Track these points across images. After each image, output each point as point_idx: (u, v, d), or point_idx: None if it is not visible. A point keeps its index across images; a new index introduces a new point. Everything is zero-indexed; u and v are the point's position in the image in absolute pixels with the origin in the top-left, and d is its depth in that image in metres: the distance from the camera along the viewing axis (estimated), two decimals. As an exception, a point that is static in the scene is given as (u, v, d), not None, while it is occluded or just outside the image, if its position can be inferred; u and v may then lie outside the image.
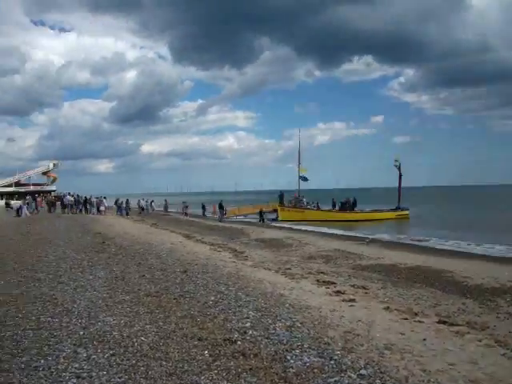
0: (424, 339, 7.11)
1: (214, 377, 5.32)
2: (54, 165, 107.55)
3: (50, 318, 7.56)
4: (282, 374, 5.39)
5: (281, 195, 47.77)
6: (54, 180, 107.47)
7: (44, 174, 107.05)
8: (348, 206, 47.19)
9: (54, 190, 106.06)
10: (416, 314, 8.87)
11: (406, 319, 8.38)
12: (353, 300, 9.74)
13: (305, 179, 48.08)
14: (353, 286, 11.59)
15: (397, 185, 50.77)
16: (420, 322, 8.28)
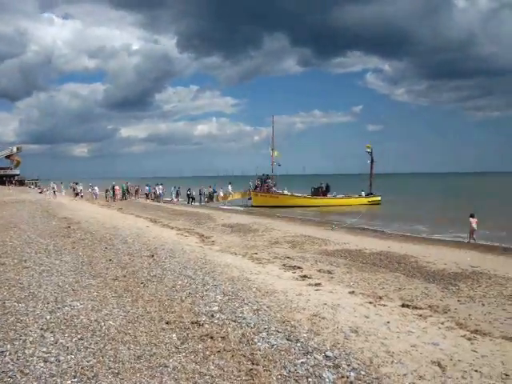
0: (388, 322, 7.29)
1: (183, 359, 5.38)
2: (18, 149, 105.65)
3: (15, 303, 7.50)
4: (250, 356, 5.49)
5: (262, 179, 47.36)
6: (18, 164, 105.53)
7: (7, 157, 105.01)
8: (321, 191, 47.40)
9: (17, 174, 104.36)
10: (380, 298, 9.05)
11: (371, 303, 8.55)
12: (319, 284, 9.89)
13: (278, 164, 47.96)
14: (319, 270, 11.74)
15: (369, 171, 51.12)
16: (384, 305, 8.46)
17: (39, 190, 65.01)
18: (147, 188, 51.58)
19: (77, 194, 51.57)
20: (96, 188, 51.66)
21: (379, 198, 47.69)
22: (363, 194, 48.40)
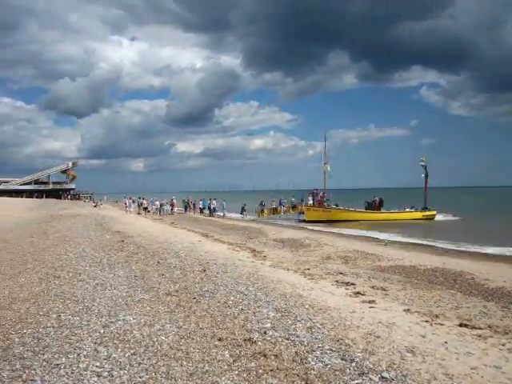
0: (445, 342, 7.03)
1: (235, 378, 5.29)
2: (74, 163, 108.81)
3: (70, 316, 7.59)
4: (304, 376, 5.35)
5: (313, 194, 47.28)
6: (73, 178, 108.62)
7: (63, 172, 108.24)
8: (374, 205, 47.00)
9: (73, 188, 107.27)
10: (437, 317, 8.75)
11: (427, 322, 8.28)
12: (373, 301, 9.66)
13: (330, 177, 47.74)
14: (372, 287, 11.49)
15: (423, 185, 50.37)
16: (441, 324, 8.18)
17: (94, 204, 66.64)
18: (201, 202, 51.80)
19: (145, 209, 51.21)
20: (157, 202, 52.17)
21: (434, 213, 46.83)
22: (408, 209, 47.65)
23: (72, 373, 5.33)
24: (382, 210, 46.91)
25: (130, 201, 51.99)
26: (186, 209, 51.78)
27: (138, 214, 47.72)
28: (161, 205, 49.59)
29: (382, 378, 5.38)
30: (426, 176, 49.35)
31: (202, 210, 51.02)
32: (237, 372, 5.46)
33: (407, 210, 47.54)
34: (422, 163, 49.59)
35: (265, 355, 5.98)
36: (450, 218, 46.55)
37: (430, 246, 25.07)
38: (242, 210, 49.55)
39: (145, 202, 52.98)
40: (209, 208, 49.82)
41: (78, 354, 5.90)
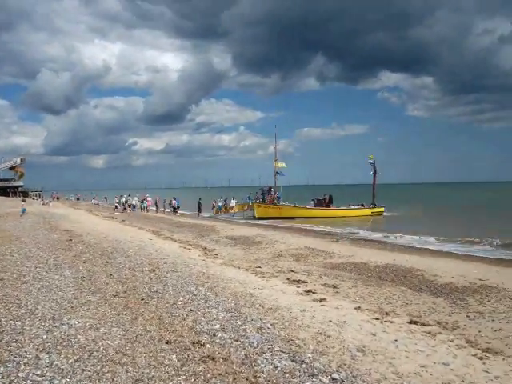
0: (396, 340, 7.07)
1: (182, 383, 5.15)
2: (22, 160, 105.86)
3: (11, 321, 7.27)
4: (253, 380, 5.26)
5: (263, 191, 47.27)
6: (22, 175, 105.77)
7: (11, 169, 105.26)
8: (324, 202, 47.41)
9: (21, 185, 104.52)
10: (387, 314, 8.81)
11: (378, 319, 8.33)
12: (323, 299, 9.66)
13: (281, 174, 47.81)
14: (323, 284, 11.51)
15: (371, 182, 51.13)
16: (391, 322, 8.23)
17: (42, 202, 65.11)
18: (175, 202, 50.32)
19: (125, 209, 49.96)
20: (150, 199, 51.54)
21: (382, 209, 47.65)
22: (352, 206, 48.41)
23: (10, 383, 5.09)
24: (332, 207, 47.38)
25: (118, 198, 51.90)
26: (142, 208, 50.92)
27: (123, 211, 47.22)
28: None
29: (333, 379, 5.33)
30: (374, 173, 50.14)
31: (175, 210, 49.02)
32: (184, 377, 5.32)
33: (352, 207, 48.27)
34: (370, 161, 50.41)
35: (213, 358, 5.86)
36: (398, 214, 47.37)
37: (380, 241, 25.41)
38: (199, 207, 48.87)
39: (130, 198, 52.81)
40: (171, 206, 49.10)
41: (18, 363, 5.63)
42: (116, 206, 51.21)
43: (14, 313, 7.76)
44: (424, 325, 8.22)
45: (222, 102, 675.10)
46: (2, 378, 5.20)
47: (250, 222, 40.35)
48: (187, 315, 7.79)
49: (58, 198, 76.16)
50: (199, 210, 47.39)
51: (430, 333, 7.68)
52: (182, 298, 8.94)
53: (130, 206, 50.83)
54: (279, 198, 46.61)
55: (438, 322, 8.49)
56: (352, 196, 60.07)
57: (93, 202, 75.88)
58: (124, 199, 52.35)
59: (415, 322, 8.33)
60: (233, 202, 49.60)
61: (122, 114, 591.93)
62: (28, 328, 6.97)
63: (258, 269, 13.48)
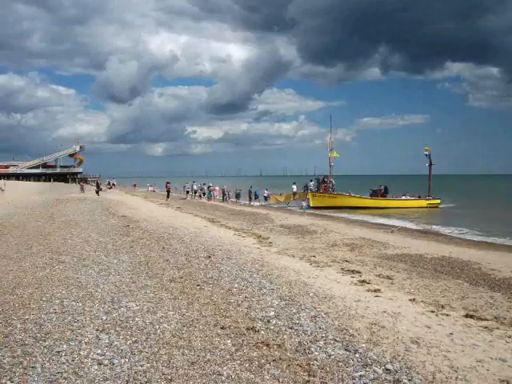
0: (451, 333, 6.94)
1: (237, 367, 5.24)
2: (81, 147, 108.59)
3: (73, 302, 7.56)
4: (306, 367, 5.28)
5: (319, 181, 47.12)
6: (81, 162, 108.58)
7: (71, 156, 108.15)
8: (379, 193, 46.96)
9: (80, 172, 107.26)
10: (443, 307, 8.66)
11: (433, 312, 8.19)
12: (378, 290, 9.58)
13: (336, 164, 47.55)
14: (378, 275, 11.41)
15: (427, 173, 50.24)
16: (447, 315, 8.08)
17: (96, 189, 66.56)
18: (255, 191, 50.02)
19: (200, 196, 51.24)
20: (217, 188, 51.66)
21: (439, 201, 46.75)
22: (407, 197, 47.58)
23: (73, 360, 5.29)
24: (388, 198, 46.82)
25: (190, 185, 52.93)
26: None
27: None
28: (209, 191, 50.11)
29: (386, 369, 5.30)
30: (430, 165, 49.20)
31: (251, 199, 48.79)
32: (239, 362, 5.40)
33: (407, 197, 47.53)
34: (426, 152, 49.49)
35: (267, 345, 5.92)
36: (454, 206, 46.39)
37: (437, 234, 24.97)
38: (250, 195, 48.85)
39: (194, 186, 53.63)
40: (224, 194, 49.51)
41: (80, 341, 5.86)
42: (187, 192, 52.37)
43: (74, 294, 8.06)
44: (481, 319, 8.04)
45: (284, 92, 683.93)
46: (66, 355, 5.43)
47: (304, 211, 40.26)
48: (242, 302, 7.87)
49: (114, 185, 77.62)
50: (249, 198, 47.59)
51: (486, 327, 7.51)
52: (236, 285, 9.04)
53: (204, 194, 51.36)
54: (333, 186, 46.34)
55: (496, 317, 8.29)
56: (409, 187, 59.04)
57: (149, 188, 77.05)
58: (195, 187, 53.21)
59: (471, 316, 8.15)
60: (294, 188, 49.38)
61: (185, 102, 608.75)
62: (88, 309, 7.22)
63: (312, 258, 13.46)
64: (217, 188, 51.57)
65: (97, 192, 46.32)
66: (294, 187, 48.83)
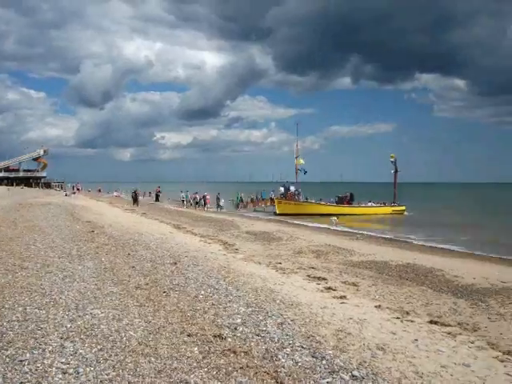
0: (416, 339, 7.05)
1: (204, 375, 5.20)
2: (45, 151, 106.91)
3: (36, 310, 7.40)
4: (274, 374, 5.28)
5: (285, 188, 47.41)
6: (45, 166, 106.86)
7: (35, 160, 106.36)
8: (345, 200, 47.48)
9: (44, 177, 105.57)
10: (407, 313, 8.80)
11: (398, 318, 8.31)
12: (344, 297, 9.66)
13: (304, 172, 47.90)
14: (344, 282, 11.51)
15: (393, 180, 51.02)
16: (412, 321, 8.21)
17: (65, 193, 65.79)
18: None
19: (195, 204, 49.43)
20: (209, 197, 50.49)
21: (404, 208, 47.50)
22: (372, 204, 48.49)
23: (36, 370, 5.17)
24: (353, 205, 47.39)
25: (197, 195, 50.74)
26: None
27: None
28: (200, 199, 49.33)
29: (353, 376, 5.34)
30: (396, 172, 50.05)
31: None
32: (206, 369, 5.36)
33: (372, 204, 48.27)
34: (392, 159, 50.38)
35: (235, 352, 5.90)
36: (419, 213, 47.15)
37: (401, 240, 25.30)
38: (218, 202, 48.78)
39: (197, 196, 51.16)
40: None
41: (43, 350, 5.74)
42: (182, 201, 51.13)
43: (38, 301, 7.89)
44: (444, 325, 8.19)
45: (256, 99, 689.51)
46: (29, 364, 5.31)
47: (270, 217, 40.37)
48: (209, 309, 7.84)
49: (78, 190, 76.74)
50: (218, 204, 47.60)
51: (450, 333, 7.66)
52: (203, 292, 9.00)
53: (197, 204, 49.54)
54: (299, 194, 46.66)
55: (459, 323, 8.46)
56: (374, 194, 59.84)
57: (114, 194, 76.37)
58: (184, 195, 52.14)
59: (436, 322, 8.30)
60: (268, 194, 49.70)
61: (156, 108, 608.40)
62: (52, 317, 7.08)
63: (278, 265, 13.51)
64: (208, 196, 50.87)
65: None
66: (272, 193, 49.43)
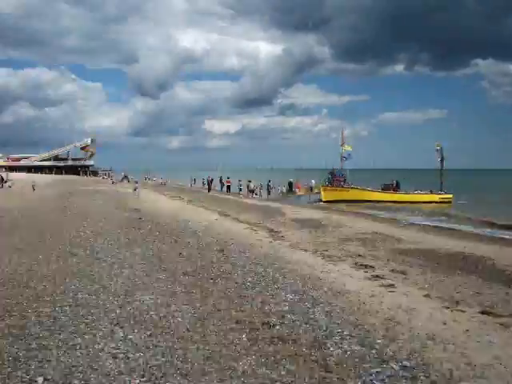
0: (467, 330, 6.86)
1: (253, 363, 5.19)
2: (92, 140, 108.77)
3: (87, 295, 7.55)
4: (322, 363, 5.23)
5: (331, 173, 47.07)
6: (92, 155, 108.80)
7: (82, 148, 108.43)
8: (392, 187, 46.89)
9: (91, 165, 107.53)
10: (458, 303, 8.57)
11: (448, 308, 8.10)
12: (392, 285, 9.50)
13: (349, 157, 47.38)
14: (392, 270, 11.31)
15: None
16: (462, 311, 7.99)
17: (111, 181, 66.91)
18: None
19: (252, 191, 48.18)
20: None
21: (451, 196, 46.47)
22: (419, 192, 47.59)
23: (88, 354, 5.27)
24: (400, 191, 46.69)
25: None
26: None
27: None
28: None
29: (403, 366, 5.23)
30: (442, 160, 49.01)
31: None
32: (254, 357, 5.35)
33: (420, 192, 47.45)
34: (437, 148, 49.31)
35: (283, 340, 5.87)
36: (467, 201, 46.13)
37: (450, 228, 24.77)
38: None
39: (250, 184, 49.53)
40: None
41: (94, 335, 5.84)
42: (240, 190, 49.56)
43: (88, 287, 8.05)
44: (497, 316, 7.93)
45: (309, 87, 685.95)
46: (80, 348, 5.40)
47: (316, 204, 40.15)
48: (256, 296, 7.84)
49: (126, 177, 77.90)
50: (268, 192, 47.56)
51: (503, 324, 7.41)
52: (250, 279, 9.00)
53: (252, 192, 48.33)
54: (345, 180, 46.19)
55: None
56: (421, 182, 58.80)
57: (160, 180, 77.25)
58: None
59: (487, 313, 8.05)
60: (313, 183, 49.43)
61: (209, 96, 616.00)
62: (102, 302, 7.21)
63: (325, 252, 13.39)
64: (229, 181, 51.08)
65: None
66: (313, 181, 49.04)
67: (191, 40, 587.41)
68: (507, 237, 21.66)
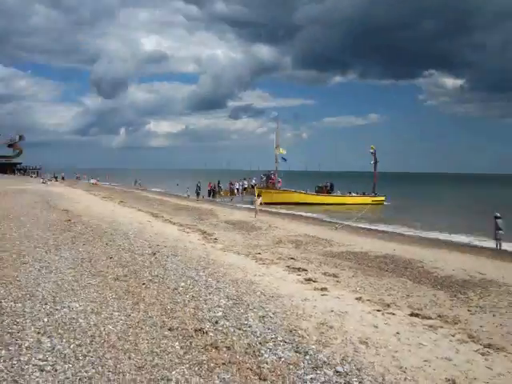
0: (398, 333, 7.04)
1: (186, 372, 5.11)
2: (20, 137, 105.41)
3: (12, 303, 7.22)
4: (257, 370, 5.21)
5: (267, 176, 47.30)
6: (20, 152, 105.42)
7: (9, 146, 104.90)
8: (325, 189, 47.65)
9: (19, 163, 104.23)
10: (388, 306, 8.78)
11: (379, 311, 8.29)
12: (324, 289, 9.61)
13: (283, 160, 47.77)
14: (324, 273, 11.47)
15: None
16: (393, 314, 8.20)
17: (42, 180, 64.86)
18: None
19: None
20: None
21: (383, 198, 47.71)
22: (352, 194, 48.68)
23: (12, 367, 5.02)
24: (333, 194, 47.52)
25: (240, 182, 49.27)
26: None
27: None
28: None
29: (337, 372, 5.29)
30: (375, 163, 50.29)
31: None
32: (188, 365, 5.27)
33: (352, 194, 48.46)
34: (371, 150, 50.58)
35: (216, 347, 5.81)
36: (399, 203, 47.34)
37: (381, 231, 25.37)
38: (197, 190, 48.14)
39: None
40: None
41: (20, 346, 5.58)
42: (237, 190, 49.27)
43: (14, 294, 7.71)
44: (426, 318, 8.18)
45: (258, 91, 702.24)
46: (4, 361, 5.15)
47: (249, 206, 40.23)
48: (189, 301, 7.74)
49: (63, 178, 76.03)
50: (197, 193, 47.11)
51: (431, 326, 7.65)
52: (183, 284, 8.89)
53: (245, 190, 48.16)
54: (279, 182, 46.63)
55: (440, 316, 8.46)
56: (355, 184, 60.04)
57: (91, 181, 75.50)
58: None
59: (416, 315, 8.30)
60: (253, 182, 49.33)
61: (161, 97, 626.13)
62: (29, 310, 6.92)
63: (257, 255, 13.43)
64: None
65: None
66: (246, 183, 49.03)
67: (154, 44, 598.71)
68: (435, 239, 22.42)
